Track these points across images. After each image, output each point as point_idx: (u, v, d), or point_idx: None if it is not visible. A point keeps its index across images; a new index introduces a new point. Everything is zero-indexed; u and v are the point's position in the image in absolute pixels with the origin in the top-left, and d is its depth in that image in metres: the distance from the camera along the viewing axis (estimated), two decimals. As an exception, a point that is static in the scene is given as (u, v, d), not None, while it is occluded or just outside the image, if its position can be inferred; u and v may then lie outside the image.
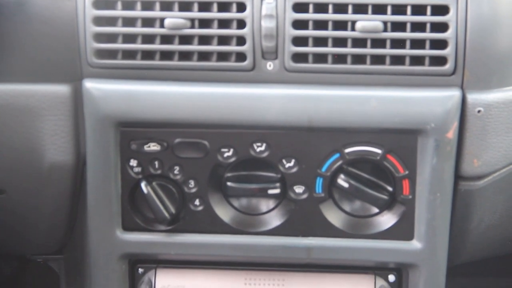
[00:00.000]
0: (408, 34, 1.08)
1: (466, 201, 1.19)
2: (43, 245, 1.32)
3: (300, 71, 1.11)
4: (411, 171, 1.12)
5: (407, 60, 1.09)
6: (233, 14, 1.09)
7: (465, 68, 1.10)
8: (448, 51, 1.07)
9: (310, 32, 1.08)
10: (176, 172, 1.13)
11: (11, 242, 1.28)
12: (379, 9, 1.09)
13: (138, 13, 1.09)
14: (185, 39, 1.10)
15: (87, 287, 1.25)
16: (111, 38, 1.11)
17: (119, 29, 1.10)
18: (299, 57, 1.10)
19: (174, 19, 1.09)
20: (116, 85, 1.11)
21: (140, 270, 1.24)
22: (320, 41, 1.10)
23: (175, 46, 1.10)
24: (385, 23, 1.08)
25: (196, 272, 1.24)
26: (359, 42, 1.09)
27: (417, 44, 1.09)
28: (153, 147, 1.13)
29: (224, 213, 1.16)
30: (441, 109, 1.08)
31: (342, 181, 1.12)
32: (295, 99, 1.10)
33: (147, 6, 1.11)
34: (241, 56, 1.10)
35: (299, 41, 1.09)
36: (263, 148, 1.11)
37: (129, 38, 1.10)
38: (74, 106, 1.12)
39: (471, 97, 1.09)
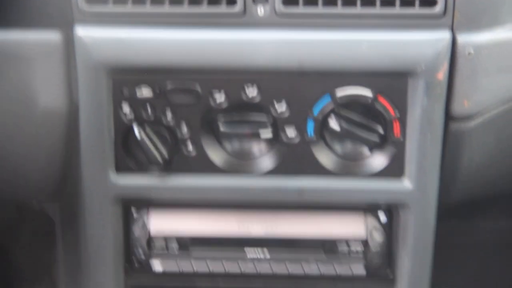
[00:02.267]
0: None
1: (457, 142, 1.20)
2: (38, 192, 1.33)
3: (290, 15, 1.11)
4: (401, 113, 1.13)
5: (397, 2, 1.09)
6: None
7: (455, 9, 1.10)
8: None
9: None
10: (168, 117, 1.13)
11: (6, 189, 1.28)
12: None
13: None
14: None
15: (82, 231, 1.27)
16: None
17: None
18: (289, 1, 1.10)
19: None
20: (108, 31, 1.11)
21: (134, 212, 1.26)
22: None
23: None
24: None
25: (189, 214, 1.26)
26: None
27: None
28: (145, 92, 1.13)
29: (216, 156, 1.17)
30: (431, 51, 1.09)
31: (333, 123, 1.13)
32: (285, 42, 1.10)
33: None
34: (231, 1, 1.10)
35: None
36: (254, 92, 1.12)
37: None
38: (66, 53, 1.12)
39: (461, 38, 1.10)
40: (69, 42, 1.13)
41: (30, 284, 2.00)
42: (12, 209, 1.67)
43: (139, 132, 1.14)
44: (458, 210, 1.42)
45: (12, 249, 1.81)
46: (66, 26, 1.12)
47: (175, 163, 1.18)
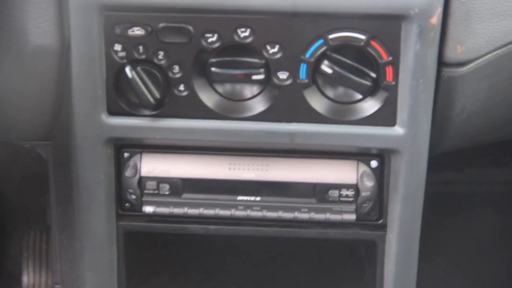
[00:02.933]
0: None
1: (449, 88, 1.21)
2: (30, 131, 1.33)
3: None
4: (394, 57, 1.13)
5: None
6: None
7: None
8: None
9: None
10: (160, 57, 1.13)
11: None
12: None
13: None
14: None
15: (74, 172, 1.29)
16: None
17: None
18: None
19: None
20: None
21: (126, 154, 1.27)
22: None
23: None
24: None
25: (181, 157, 1.28)
26: None
27: None
28: (137, 31, 1.13)
29: (208, 98, 1.17)
30: None
31: (326, 67, 1.13)
32: None
33: None
34: None
35: None
36: (247, 33, 1.12)
37: None
38: None
39: None
40: None
41: (25, 226, 2.03)
42: (4, 150, 1.69)
43: (131, 71, 1.14)
44: (449, 159, 1.44)
45: (6, 191, 1.83)
46: None
47: (167, 104, 1.19)
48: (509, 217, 2.08)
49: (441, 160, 1.38)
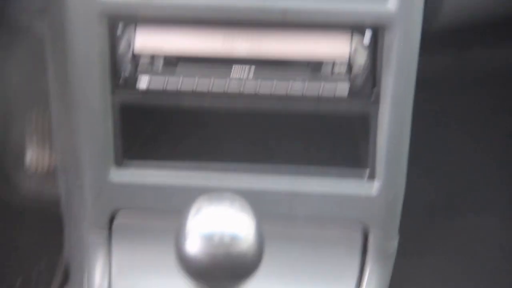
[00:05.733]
0: None
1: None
2: (26, 5, 1.36)
3: None
4: None
5: None
6: None
7: None
8: None
9: None
10: None
11: None
12: None
13: None
14: None
15: (69, 47, 1.31)
16: None
17: None
18: None
19: None
20: None
21: (120, 29, 1.29)
22: None
23: None
24: None
25: (175, 31, 1.29)
26: None
27: None
28: None
29: None
30: None
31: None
32: None
33: None
34: None
35: None
36: None
37: None
38: None
39: None
40: None
41: (29, 109, 2.08)
42: (2, 31, 1.71)
43: None
44: (443, 40, 1.46)
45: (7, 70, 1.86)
46: None
47: None
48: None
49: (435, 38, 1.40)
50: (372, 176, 1.38)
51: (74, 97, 1.38)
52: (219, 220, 1.07)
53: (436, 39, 1.41)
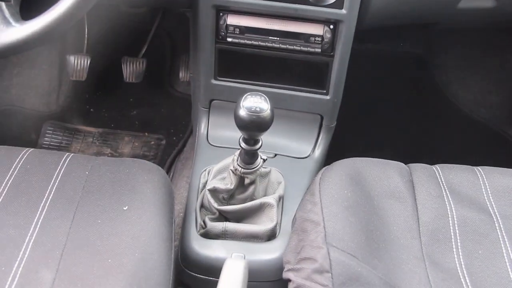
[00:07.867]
0: None
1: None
2: (179, 2, 1.95)
3: None
4: None
5: None
6: None
7: None
8: None
9: None
10: None
11: None
12: None
13: None
14: None
15: (199, 22, 1.87)
16: None
17: None
18: None
19: None
20: None
21: (221, 13, 1.85)
22: None
23: None
24: None
25: (245, 16, 1.87)
26: None
27: None
28: None
29: None
30: None
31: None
32: None
33: None
34: None
35: None
36: None
37: None
38: None
39: None
40: None
41: (182, 52, 2.70)
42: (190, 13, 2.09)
43: None
44: (364, 34, 1.96)
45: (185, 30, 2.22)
46: None
47: None
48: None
49: (365, 33, 1.91)
50: (327, 93, 1.95)
51: (199, 45, 1.91)
52: (254, 102, 1.47)
53: (360, 34, 1.91)
